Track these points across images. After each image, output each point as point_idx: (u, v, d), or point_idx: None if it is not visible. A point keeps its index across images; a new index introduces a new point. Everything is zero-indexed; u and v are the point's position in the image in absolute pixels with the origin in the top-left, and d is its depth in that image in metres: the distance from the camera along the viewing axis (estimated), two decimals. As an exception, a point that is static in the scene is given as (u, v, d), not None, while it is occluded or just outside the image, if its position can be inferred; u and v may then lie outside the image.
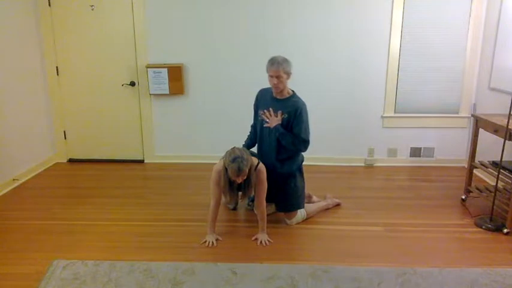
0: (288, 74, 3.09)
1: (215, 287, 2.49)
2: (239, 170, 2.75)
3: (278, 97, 3.18)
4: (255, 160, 2.94)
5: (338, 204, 3.63)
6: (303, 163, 3.37)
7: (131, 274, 2.61)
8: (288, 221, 3.28)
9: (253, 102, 3.48)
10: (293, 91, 3.23)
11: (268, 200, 3.10)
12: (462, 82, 4.50)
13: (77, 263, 2.71)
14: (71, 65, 4.61)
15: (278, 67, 3.02)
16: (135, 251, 2.91)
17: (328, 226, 3.28)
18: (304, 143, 3.12)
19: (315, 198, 3.64)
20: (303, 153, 3.32)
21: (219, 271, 2.64)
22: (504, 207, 3.18)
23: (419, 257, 2.83)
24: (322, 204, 3.52)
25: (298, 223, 3.29)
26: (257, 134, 3.33)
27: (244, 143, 3.44)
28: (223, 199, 3.14)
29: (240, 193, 3.05)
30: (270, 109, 3.13)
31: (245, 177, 2.83)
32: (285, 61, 3.07)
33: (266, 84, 4.87)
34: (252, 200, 3.36)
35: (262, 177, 2.97)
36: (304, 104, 3.13)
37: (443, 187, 4.08)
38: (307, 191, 3.64)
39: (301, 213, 3.30)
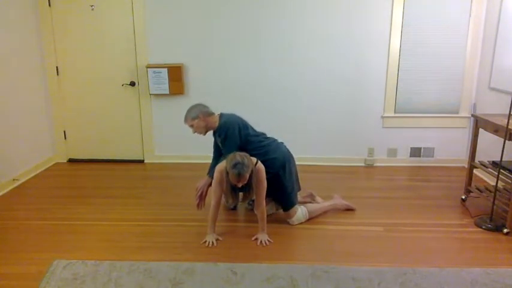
0: (198, 118, 3.17)
1: (215, 287, 2.49)
2: (239, 175, 2.79)
3: (213, 130, 3.29)
4: (254, 160, 2.95)
5: (350, 209, 3.53)
6: (296, 161, 3.37)
7: (131, 274, 2.61)
8: (289, 221, 3.28)
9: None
10: (220, 116, 3.25)
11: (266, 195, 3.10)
12: (462, 82, 4.50)
13: (77, 263, 2.71)
14: (71, 65, 4.62)
15: (185, 121, 3.22)
16: (135, 251, 2.91)
17: (328, 226, 3.28)
18: None
19: (318, 198, 3.61)
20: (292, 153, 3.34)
21: (219, 271, 2.64)
22: (504, 207, 3.18)
23: (419, 257, 2.83)
24: (326, 204, 3.48)
25: (301, 223, 3.29)
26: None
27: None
28: (223, 200, 3.14)
29: (241, 193, 3.06)
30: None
31: (245, 182, 2.85)
32: (189, 111, 3.21)
33: (265, 83, 4.91)
34: (252, 200, 3.36)
35: (261, 176, 2.97)
36: (223, 126, 3.16)
37: (443, 187, 4.08)
38: (310, 190, 3.64)
39: (301, 212, 3.29)
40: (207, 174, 3.34)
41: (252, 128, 3.31)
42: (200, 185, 3.33)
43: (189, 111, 3.22)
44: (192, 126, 3.21)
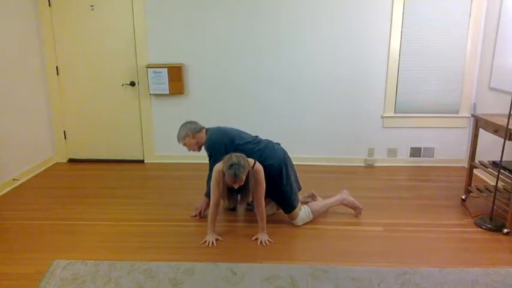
0: (188, 136, 3.25)
1: (215, 287, 2.49)
2: (235, 177, 2.78)
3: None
4: (252, 161, 2.94)
5: (356, 209, 3.42)
6: (293, 162, 3.36)
7: (131, 274, 2.61)
8: (293, 222, 3.27)
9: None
10: (206, 131, 3.29)
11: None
12: (462, 82, 4.50)
13: (77, 263, 2.71)
14: (71, 65, 4.62)
15: (178, 141, 3.30)
16: (135, 251, 2.91)
17: (328, 226, 3.28)
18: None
19: (319, 198, 3.59)
20: (289, 154, 3.32)
21: (219, 271, 2.64)
22: (504, 207, 3.18)
23: (419, 257, 2.83)
24: (330, 201, 3.42)
25: (305, 223, 3.28)
26: None
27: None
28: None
29: (239, 195, 3.05)
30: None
31: (242, 183, 2.85)
32: (180, 130, 3.28)
33: (265, 83, 4.91)
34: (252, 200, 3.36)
35: (259, 177, 2.96)
36: (207, 145, 3.22)
37: (443, 187, 4.08)
38: (311, 190, 3.63)
39: (305, 213, 3.27)
40: (205, 195, 3.38)
41: (241, 136, 3.25)
42: (199, 205, 3.44)
43: (179, 130, 3.29)
44: (185, 144, 3.28)
